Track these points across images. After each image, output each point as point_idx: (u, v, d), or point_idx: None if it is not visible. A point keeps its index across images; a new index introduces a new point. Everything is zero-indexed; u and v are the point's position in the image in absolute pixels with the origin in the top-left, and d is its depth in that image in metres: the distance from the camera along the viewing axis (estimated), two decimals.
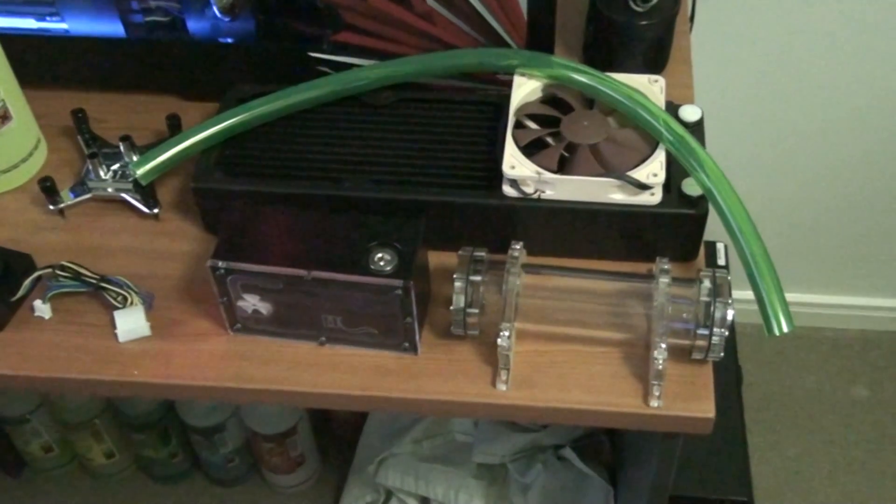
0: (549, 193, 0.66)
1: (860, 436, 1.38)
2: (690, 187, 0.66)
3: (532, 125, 0.70)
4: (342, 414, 1.31)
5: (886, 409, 1.40)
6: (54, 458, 1.33)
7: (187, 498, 1.35)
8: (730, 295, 0.61)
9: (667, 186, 0.66)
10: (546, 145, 0.68)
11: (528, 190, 0.66)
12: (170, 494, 1.35)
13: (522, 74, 0.71)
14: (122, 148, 0.76)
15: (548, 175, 0.65)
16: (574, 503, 1.12)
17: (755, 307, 0.61)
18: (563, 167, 0.66)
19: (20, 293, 0.68)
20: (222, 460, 1.29)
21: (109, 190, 0.75)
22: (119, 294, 0.68)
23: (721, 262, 1.18)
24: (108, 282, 0.68)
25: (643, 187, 0.65)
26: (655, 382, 0.62)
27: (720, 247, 1.19)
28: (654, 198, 0.65)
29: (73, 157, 0.80)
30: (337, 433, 1.34)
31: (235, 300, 0.65)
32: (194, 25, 0.78)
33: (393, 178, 0.68)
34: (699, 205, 0.66)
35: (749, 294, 0.61)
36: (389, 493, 1.20)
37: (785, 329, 0.60)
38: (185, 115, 0.78)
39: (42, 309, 0.68)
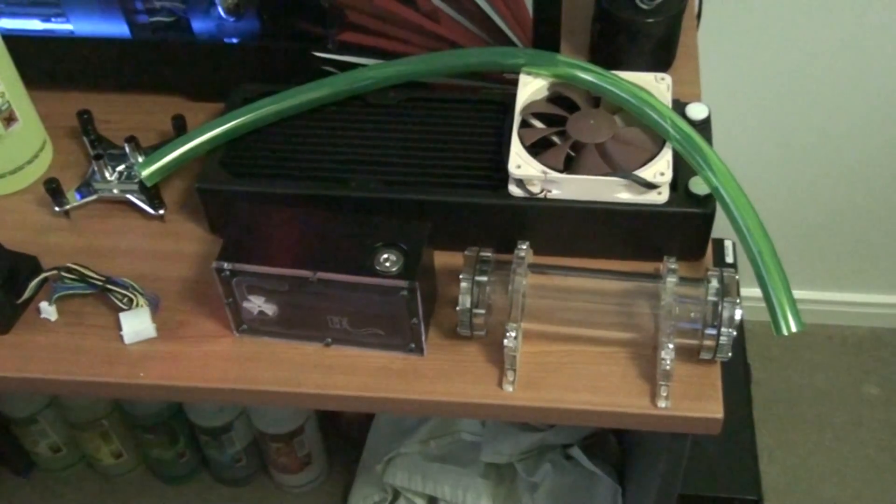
0: (555, 193, 0.66)
1: (870, 434, 1.37)
2: (698, 186, 0.65)
3: (538, 124, 0.70)
4: (349, 413, 1.31)
5: None
6: (62, 458, 1.33)
7: (195, 498, 1.35)
8: (738, 294, 0.61)
9: (674, 185, 0.65)
10: (552, 144, 0.68)
11: (535, 189, 0.66)
12: (177, 494, 1.35)
13: (528, 73, 0.71)
14: (127, 149, 0.76)
15: (554, 174, 0.65)
16: (582, 502, 1.12)
17: (764, 304, 0.60)
18: (569, 166, 0.66)
19: (26, 295, 0.68)
20: (230, 460, 1.29)
21: (115, 191, 0.75)
22: (125, 296, 0.68)
23: (729, 259, 1.17)
24: (114, 283, 0.68)
25: (650, 186, 0.64)
26: (663, 383, 0.61)
27: (728, 244, 1.19)
28: (661, 197, 0.65)
29: (78, 159, 0.80)
30: (344, 433, 1.34)
31: (241, 301, 0.64)
32: (199, 26, 0.78)
33: (398, 179, 0.68)
34: (706, 203, 0.65)
35: (758, 291, 0.61)
36: (397, 493, 1.20)
37: (794, 329, 0.60)
38: (191, 115, 0.78)
39: (48, 311, 0.68)
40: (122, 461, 1.33)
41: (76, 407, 1.24)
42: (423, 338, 0.65)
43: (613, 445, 1.16)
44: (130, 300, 0.68)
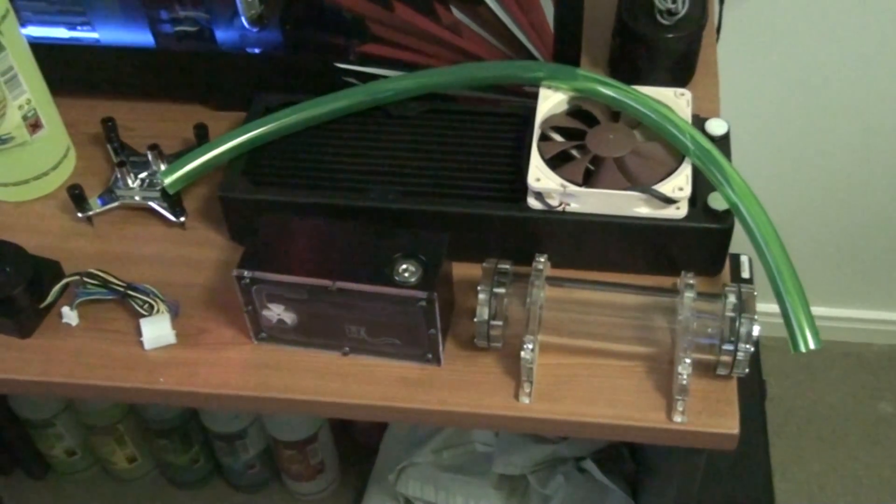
0: (573, 206, 0.66)
1: (885, 452, 1.36)
2: (716, 201, 0.65)
3: (557, 138, 0.70)
4: (363, 422, 1.31)
5: None
6: (77, 462, 1.34)
7: (208, 503, 1.35)
8: (755, 310, 0.61)
9: (692, 200, 0.65)
10: (571, 158, 0.68)
11: (553, 202, 0.66)
12: (191, 499, 1.36)
13: (548, 87, 0.71)
14: (150, 157, 0.77)
15: (573, 188, 0.65)
16: None
17: (779, 320, 0.61)
18: (588, 180, 0.66)
19: (49, 300, 0.69)
20: (243, 466, 1.30)
21: (137, 198, 0.76)
22: (145, 302, 0.68)
23: (745, 275, 1.17)
24: (135, 289, 0.69)
25: (669, 201, 0.64)
26: (679, 397, 0.61)
27: (744, 259, 1.18)
28: (679, 212, 0.65)
29: (101, 166, 0.80)
30: (357, 441, 1.34)
31: (260, 309, 0.65)
32: (222, 35, 0.78)
33: (418, 190, 0.69)
34: (725, 219, 0.65)
35: (773, 307, 0.61)
36: (409, 502, 1.20)
37: (812, 346, 0.59)
38: (213, 124, 0.79)
39: (70, 315, 0.69)
40: (136, 465, 1.34)
41: (92, 411, 1.24)
42: (441, 348, 0.65)
43: (627, 459, 1.16)
44: (151, 306, 0.68)
